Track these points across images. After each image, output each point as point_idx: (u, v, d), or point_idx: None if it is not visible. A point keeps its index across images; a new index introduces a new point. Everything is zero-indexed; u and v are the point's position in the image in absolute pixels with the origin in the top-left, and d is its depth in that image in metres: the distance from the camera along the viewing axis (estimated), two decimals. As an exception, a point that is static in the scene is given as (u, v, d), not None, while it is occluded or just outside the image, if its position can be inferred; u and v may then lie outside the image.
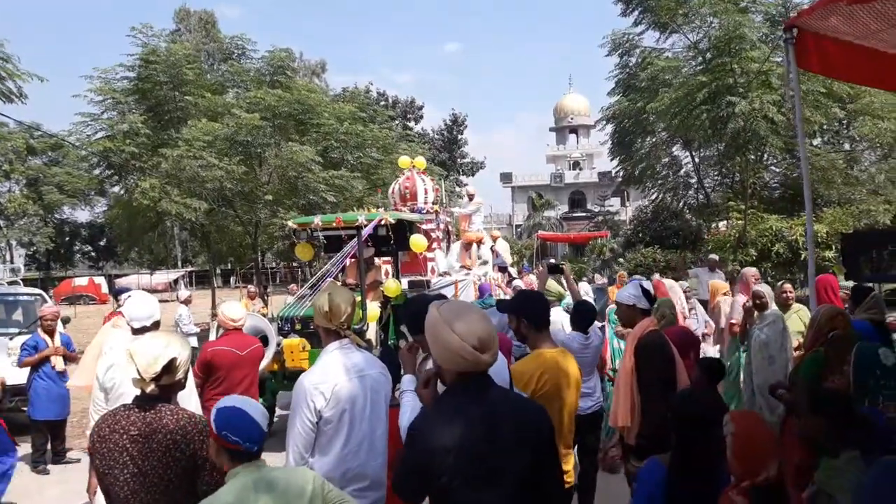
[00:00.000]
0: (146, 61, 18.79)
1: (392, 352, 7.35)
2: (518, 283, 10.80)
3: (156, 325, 4.21)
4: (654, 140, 24.24)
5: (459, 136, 54.82)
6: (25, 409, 7.89)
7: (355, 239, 8.15)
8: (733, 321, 7.17)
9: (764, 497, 2.56)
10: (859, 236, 19.35)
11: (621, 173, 28.44)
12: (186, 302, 12.98)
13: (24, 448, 8.21)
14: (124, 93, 19.40)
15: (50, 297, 12.67)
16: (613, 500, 5.28)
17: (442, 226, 11.74)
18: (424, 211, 11.18)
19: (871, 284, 6.52)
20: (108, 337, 6.34)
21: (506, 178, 62.61)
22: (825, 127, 20.94)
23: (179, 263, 49.56)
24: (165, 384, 2.81)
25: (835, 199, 20.51)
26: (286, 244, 23.95)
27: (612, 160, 28.53)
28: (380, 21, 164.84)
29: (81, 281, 42.75)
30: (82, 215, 44.00)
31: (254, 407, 2.53)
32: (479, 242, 11.65)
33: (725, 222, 23.09)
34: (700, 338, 8.02)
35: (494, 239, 13.61)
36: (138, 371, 2.76)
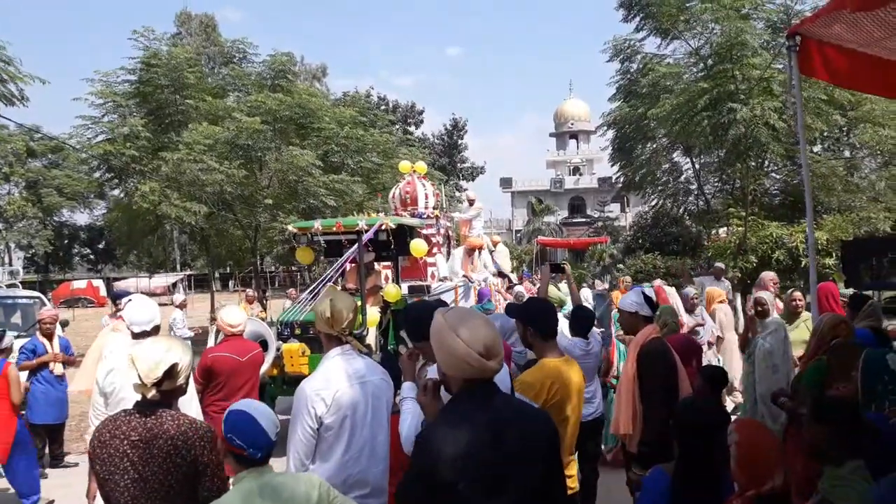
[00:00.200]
0: (147, 64, 18.79)
1: (392, 357, 7.33)
2: (519, 288, 10.78)
3: (156, 330, 4.20)
4: (654, 146, 24.23)
5: (460, 141, 54.86)
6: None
7: (355, 244, 8.14)
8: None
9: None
10: (859, 244, 19.41)
11: (621, 179, 28.42)
12: (181, 306, 12.96)
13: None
14: (125, 96, 19.39)
15: (48, 299, 12.64)
16: (614, 507, 5.25)
17: (442, 231, 11.72)
18: (425, 216, 11.16)
19: (868, 292, 6.52)
20: (107, 341, 6.33)
21: (506, 183, 62.66)
22: (825, 134, 20.94)
23: (178, 267, 49.52)
24: (167, 389, 2.79)
25: (835, 207, 20.49)
26: (286, 248, 23.93)
27: (612, 166, 28.51)
28: (380, 24, 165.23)
29: (80, 284, 42.76)
30: (81, 218, 44.12)
31: (264, 414, 2.53)
32: (480, 249, 11.64)
33: (725, 229, 23.07)
34: (706, 345, 8.02)
35: (495, 244, 13.59)
36: (139, 376, 2.74)
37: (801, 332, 6.12)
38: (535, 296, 7.52)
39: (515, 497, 2.12)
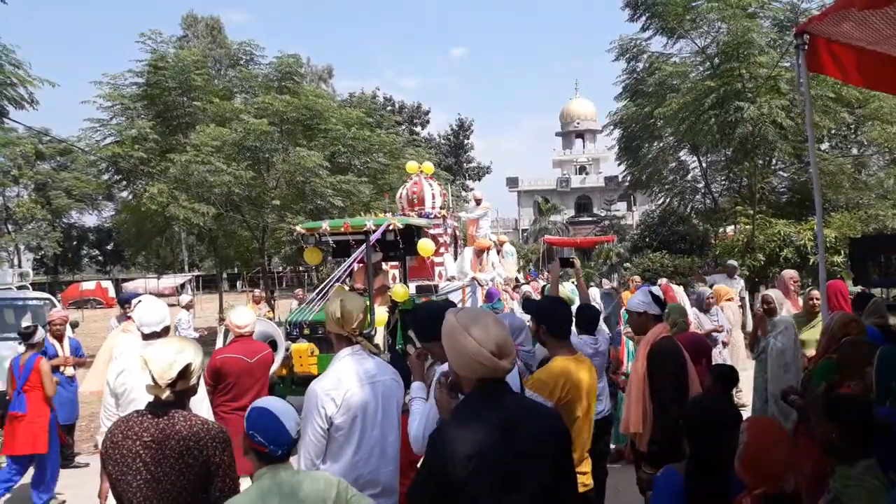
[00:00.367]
0: (155, 67, 18.85)
1: (401, 357, 7.34)
2: (527, 288, 10.79)
3: (166, 331, 4.21)
4: (661, 145, 24.16)
5: (466, 141, 54.85)
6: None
7: (363, 244, 8.16)
8: None
9: (777, 505, 2.53)
10: (868, 241, 19.36)
11: (628, 178, 28.34)
12: (188, 307, 12.99)
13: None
14: (133, 98, 19.46)
15: (58, 301, 12.69)
16: (624, 507, 5.25)
17: (449, 230, 11.73)
18: (432, 216, 11.17)
19: (876, 290, 6.52)
20: (118, 342, 6.36)
21: (512, 182, 62.65)
22: (833, 132, 20.86)
23: (186, 268, 49.70)
24: (180, 390, 2.81)
25: (843, 204, 20.42)
26: (293, 249, 23.98)
27: (618, 164, 28.45)
28: (385, 26, 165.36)
29: (89, 285, 42.93)
30: (90, 220, 44.33)
31: (286, 412, 2.55)
32: (489, 249, 11.64)
33: (733, 227, 22.99)
34: (721, 345, 7.97)
35: (502, 244, 13.60)
36: (153, 377, 2.76)
37: (817, 331, 6.10)
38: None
39: (527, 496, 2.13)
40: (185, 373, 2.80)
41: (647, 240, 23.52)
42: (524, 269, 26.46)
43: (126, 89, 19.63)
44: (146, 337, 4.19)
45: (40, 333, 6.81)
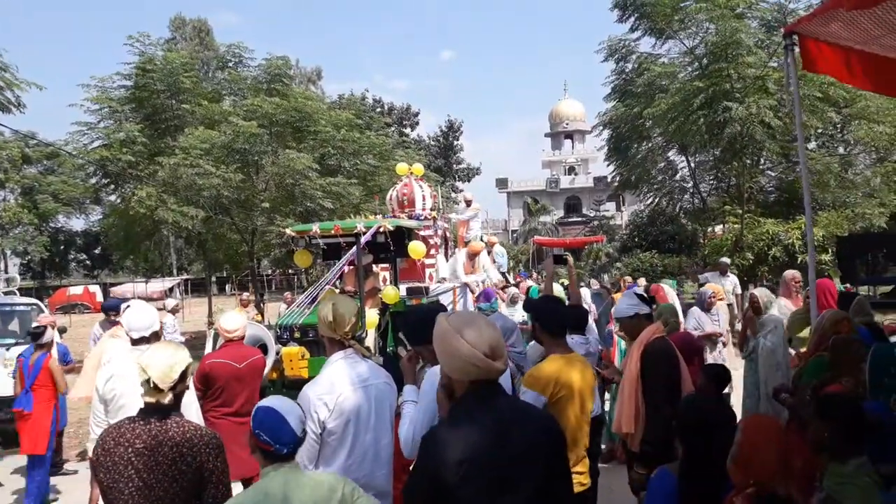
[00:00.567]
0: (143, 70, 18.74)
1: (393, 360, 7.31)
2: (514, 290, 10.79)
3: (154, 336, 4.17)
4: (649, 145, 24.26)
5: (455, 143, 54.88)
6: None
7: (354, 246, 8.13)
8: None
9: (768, 504, 2.53)
10: (855, 240, 19.53)
11: (617, 178, 28.45)
12: (173, 311, 12.88)
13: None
14: (121, 101, 19.34)
15: (45, 306, 12.58)
16: (617, 507, 5.24)
17: (440, 232, 11.71)
18: (422, 217, 11.14)
19: (863, 288, 6.57)
20: (106, 347, 6.31)
21: (501, 183, 62.73)
22: (820, 131, 21.01)
23: (175, 271, 49.45)
24: (178, 392, 2.82)
25: (830, 203, 20.56)
26: (283, 251, 23.90)
27: (607, 165, 28.54)
28: (374, 28, 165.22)
29: (76, 290, 42.63)
30: (77, 224, 43.99)
31: (291, 411, 2.57)
32: (480, 253, 11.62)
33: (721, 226, 23.11)
34: (721, 344, 7.87)
35: (491, 245, 13.58)
36: (153, 382, 2.75)
37: None
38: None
39: (521, 498, 2.13)
40: (184, 374, 2.83)
41: (636, 240, 23.65)
42: (514, 269, 26.46)
43: (114, 92, 19.52)
44: (135, 342, 4.16)
45: (49, 334, 7.01)
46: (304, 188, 18.61)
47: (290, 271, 39.91)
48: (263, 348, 6.95)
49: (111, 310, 8.49)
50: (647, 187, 25.73)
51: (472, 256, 10.95)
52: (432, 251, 10.92)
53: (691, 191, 24.48)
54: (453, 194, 39.02)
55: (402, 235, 8.92)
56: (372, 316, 8.19)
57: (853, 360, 4.01)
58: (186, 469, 2.69)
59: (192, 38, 48.26)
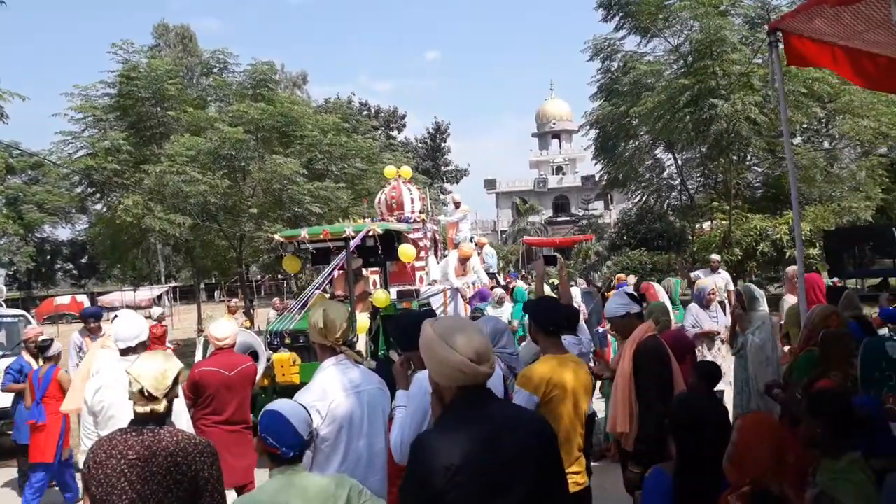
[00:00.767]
0: (127, 77, 18.63)
1: (386, 365, 7.29)
2: (499, 291, 10.81)
3: (142, 346, 4.13)
4: (636, 143, 24.38)
5: (443, 144, 54.92)
6: (10, 433, 7.75)
7: (343, 251, 8.11)
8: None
9: (763, 502, 2.53)
10: (842, 233, 19.67)
11: (604, 177, 28.57)
12: (159, 320, 12.79)
13: (10, 472, 8.08)
14: (105, 109, 19.23)
15: (32, 316, 12.47)
16: (611, 506, 5.23)
17: (429, 234, 11.69)
18: (411, 220, 11.13)
19: (851, 281, 6.62)
20: (96, 358, 6.25)
21: (490, 184, 62.79)
22: (805, 126, 21.17)
23: (163, 279, 49.17)
24: (171, 399, 2.83)
25: (816, 197, 20.72)
26: (272, 257, 23.82)
27: (595, 164, 28.67)
28: (359, 30, 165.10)
29: (64, 299, 42.23)
30: (63, 233, 43.66)
31: (296, 413, 2.63)
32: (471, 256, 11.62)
33: (710, 222, 23.24)
34: (719, 341, 7.81)
35: (481, 246, 13.58)
36: (147, 391, 2.73)
37: None
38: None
39: (513, 501, 2.12)
40: (176, 380, 2.83)
41: (625, 238, 23.74)
42: (504, 270, 26.47)
43: (98, 100, 19.40)
44: (123, 353, 4.12)
45: (56, 346, 7.12)
46: (292, 193, 18.56)
47: (279, 277, 39.77)
48: (254, 355, 6.92)
49: (90, 317, 8.36)
50: (635, 185, 25.85)
51: (464, 261, 10.95)
52: (422, 254, 10.91)
53: (679, 188, 24.61)
54: (442, 196, 39.06)
55: (391, 239, 8.90)
56: (363, 320, 8.17)
57: (843, 355, 4.03)
58: (182, 478, 2.66)
59: (176, 44, 48.06)
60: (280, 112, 19.34)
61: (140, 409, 2.75)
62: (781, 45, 4.76)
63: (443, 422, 2.25)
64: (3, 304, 12.83)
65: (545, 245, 44.04)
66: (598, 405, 7.27)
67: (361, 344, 8.02)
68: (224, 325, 5.47)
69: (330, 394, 3.12)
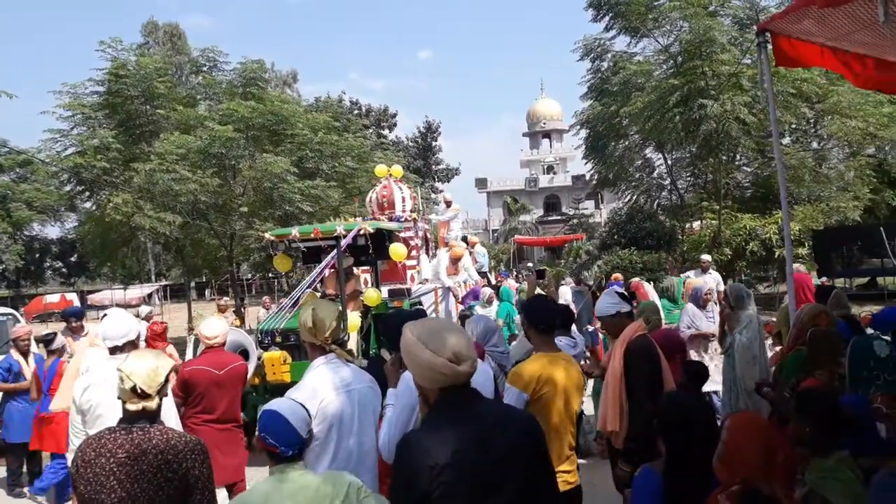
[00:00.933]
0: (116, 75, 18.54)
1: (378, 363, 7.28)
2: (488, 290, 10.85)
3: (130, 346, 4.10)
4: (626, 143, 24.45)
5: (434, 143, 54.90)
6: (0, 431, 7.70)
7: (334, 249, 8.09)
8: None
9: (752, 502, 2.54)
10: (830, 233, 19.80)
11: (595, 176, 28.62)
12: (147, 319, 12.72)
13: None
14: (94, 107, 19.13)
15: (21, 315, 12.36)
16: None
17: (420, 233, 11.70)
18: (403, 219, 11.13)
19: (840, 280, 6.68)
20: (85, 356, 6.21)
21: (481, 183, 62.75)
22: (794, 126, 21.29)
23: (153, 278, 48.90)
24: (163, 396, 2.82)
25: (805, 197, 20.83)
26: (262, 256, 23.76)
27: (585, 163, 28.73)
28: (350, 28, 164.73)
29: (53, 298, 41.86)
30: (53, 231, 43.38)
31: (294, 413, 2.64)
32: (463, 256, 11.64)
33: (699, 222, 23.33)
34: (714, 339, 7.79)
35: (472, 245, 13.59)
36: (140, 388, 2.72)
37: None
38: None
39: (503, 500, 2.12)
40: (168, 378, 2.83)
41: (615, 237, 23.70)
42: (495, 269, 26.48)
43: (87, 98, 19.30)
44: (111, 351, 4.11)
45: (59, 340, 7.22)
46: (283, 192, 18.52)
47: (270, 276, 39.66)
48: (245, 354, 6.90)
49: (72, 316, 8.25)
50: (625, 185, 25.92)
51: (455, 261, 10.97)
52: (413, 253, 10.91)
53: (669, 188, 24.69)
54: (433, 195, 39.05)
55: (382, 237, 8.88)
56: (354, 319, 8.16)
57: (830, 353, 4.06)
58: (172, 476, 2.65)
59: (165, 42, 47.85)
60: (270, 110, 19.30)
61: (132, 407, 2.74)
62: (770, 46, 4.80)
63: (428, 422, 2.27)
64: (-9, 303, 12.74)
65: (536, 244, 44.17)
66: (587, 403, 7.29)
67: (353, 343, 8.01)
68: (214, 324, 5.45)
69: (320, 392, 3.12)
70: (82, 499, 2.66)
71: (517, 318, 10.03)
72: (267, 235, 9.46)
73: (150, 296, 41.26)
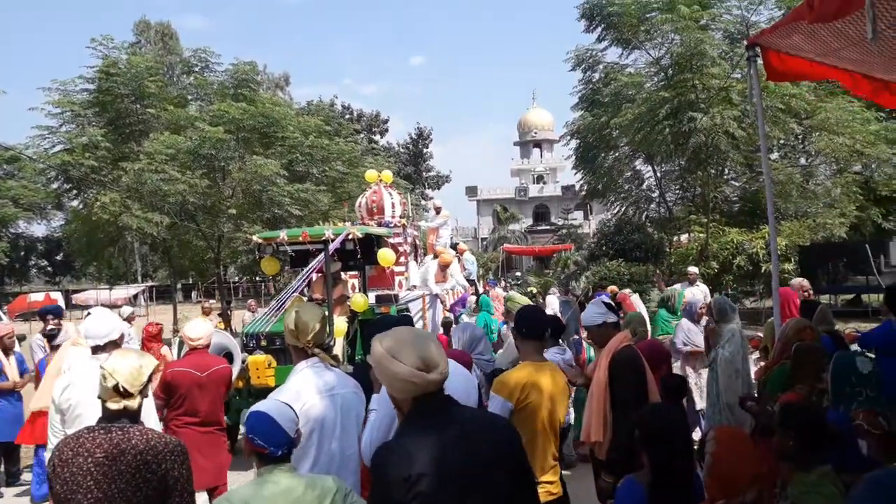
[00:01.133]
0: (106, 73, 18.47)
1: (363, 369, 7.25)
2: (474, 298, 10.87)
3: (112, 345, 4.07)
4: (616, 154, 24.56)
5: (425, 150, 54.98)
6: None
7: (322, 253, 8.06)
8: None
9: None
10: (817, 249, 19.93)
11: (584, 187, 28.72)
12: (129, 320, 12.61)
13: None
14: (83, 105, 19.04)
15: (4, 313, 12.25)
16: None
17: (410, 239, 11.69)
18: (392, 225, 11.12)
19: (825, 296, 6.74)
20: (66, 354, 6.16)
21: (471, 191, 62.85)
22: (782, 142, 21.45)
23: (139, 278, 48.61)
24: (144, 395, 2.80)
25: (792, 213, 20.97)
26: (250, 259, 23.68)
27: (575, 174, 28.83)
28: (344, 33, 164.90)
29: (38, 296, 41.51)
30: (39, 229, 43.10)
31: (282, 413, 2.61)
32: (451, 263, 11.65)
33: (687, 235, 23.44)
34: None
35: (461, 252, 13.60)
36: (122, 387, 2.69)
37: None
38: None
39: None
40: (150, 378, 2.81)
41: (603, 248, 23.80)
42: (483, 277, 26.48)
43: (76, 96, 19.21)
44: (93, 350, 4.06)
45: (63, 335, 7.15)
46: (272, 194, 18.48)
47: (257, 279, 39.54)
48: (229, 357, 6.85)
49: (48, 314, 8.14)
50: (614, 196, 26.03)
51: (444, 268, 10.96)
52: (402, 258, 10.90)
53: (657, 200, 24.80)
54: (423, 202, 39.07)
55: (371, 243, 8.86)
56: (340, 324, 8.13)
57: (813, 368, 4.07)
58: (151, 477, 2.61)
59: (157, 42, 47.71)
60: (261, 113, 19.29)
61: (113, 406, 2.71)
62: (760, 61, 4.83)
63: (401, 432, 2.25)
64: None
65: (525, 253, 44.22)
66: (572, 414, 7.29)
67: (339, 348, 7.98)
68: (199, 326, 5.41)
69: (303, 395, 3.10)
70: (58, 499, 2.61)
71: (495, 327, 10.03)
72: (255, 238, 9.41)
73: (135, 296, 40.97)
